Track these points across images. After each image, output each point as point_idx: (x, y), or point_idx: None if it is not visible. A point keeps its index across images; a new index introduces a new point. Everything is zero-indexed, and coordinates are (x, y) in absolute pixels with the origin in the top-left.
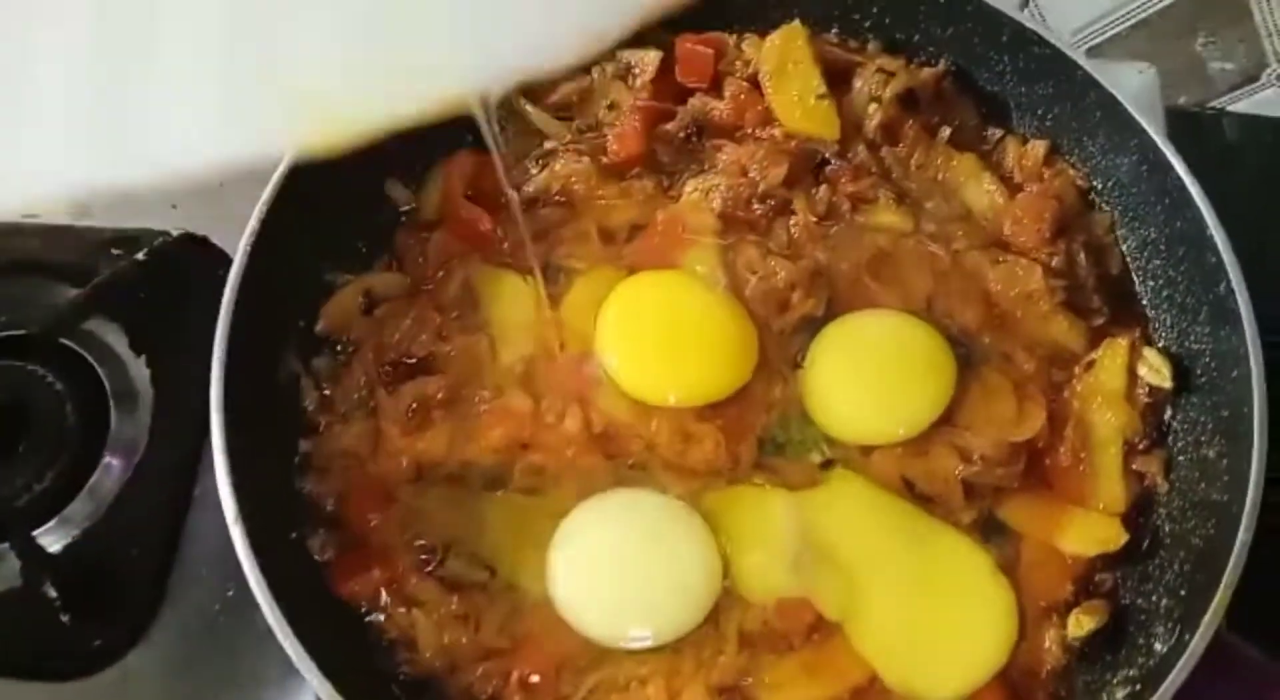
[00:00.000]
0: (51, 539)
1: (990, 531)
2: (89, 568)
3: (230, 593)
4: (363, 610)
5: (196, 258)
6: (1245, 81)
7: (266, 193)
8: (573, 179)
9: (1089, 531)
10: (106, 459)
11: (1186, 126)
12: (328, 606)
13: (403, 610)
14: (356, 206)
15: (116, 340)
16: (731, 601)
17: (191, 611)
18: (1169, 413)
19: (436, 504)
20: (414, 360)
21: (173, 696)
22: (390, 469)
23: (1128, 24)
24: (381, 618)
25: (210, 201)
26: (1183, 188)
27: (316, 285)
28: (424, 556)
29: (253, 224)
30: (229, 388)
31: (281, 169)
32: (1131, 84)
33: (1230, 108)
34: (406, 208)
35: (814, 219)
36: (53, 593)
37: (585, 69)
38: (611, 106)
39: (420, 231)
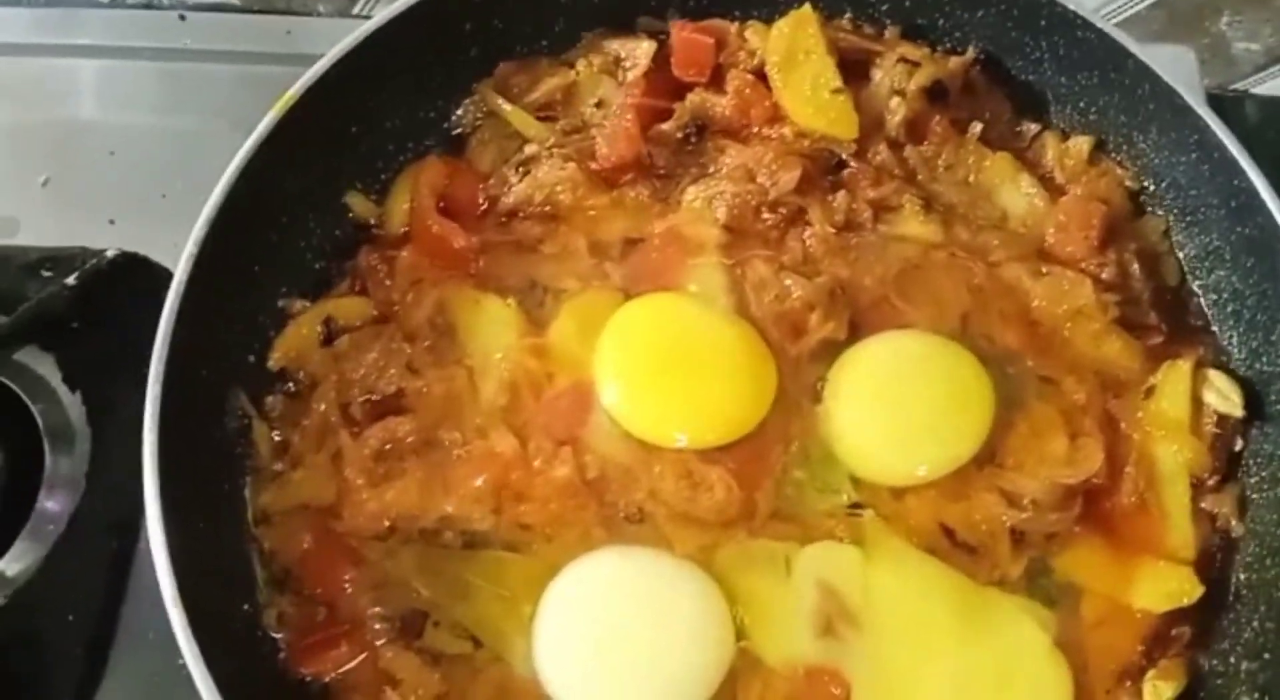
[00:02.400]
0: None
1: (1044, 586)
2: (17, 637)
3: (183, 664)
4: (328, 692)
5: (136, 280)
6: (1272, 62)
7: (209, 205)
8: (558, 187)
9: (1159, 583)
10: (40, 506)
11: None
12: (287, 690)
13: (377, 691)
14: (313, 222)
15: (49, 373)
16: (751, 670)
17: (136, 686)
18: (1240, 444)
19: (411, 565)
20: (381, 398)
21: None
22: (357, 525)
23: (1145, 3)
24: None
25: (152, 216)
26: (1251, 190)
27: (269, 313)
28: (399, 627)
29: (193, 241)
30: (166, 435)
31: (228, 176)
32: (1168, 70)
33: (1254, 90)
34: (370, 223)
35: (832, 230)
36: None
37: (569, 62)
38: (599, 104)
39: (386, 249)
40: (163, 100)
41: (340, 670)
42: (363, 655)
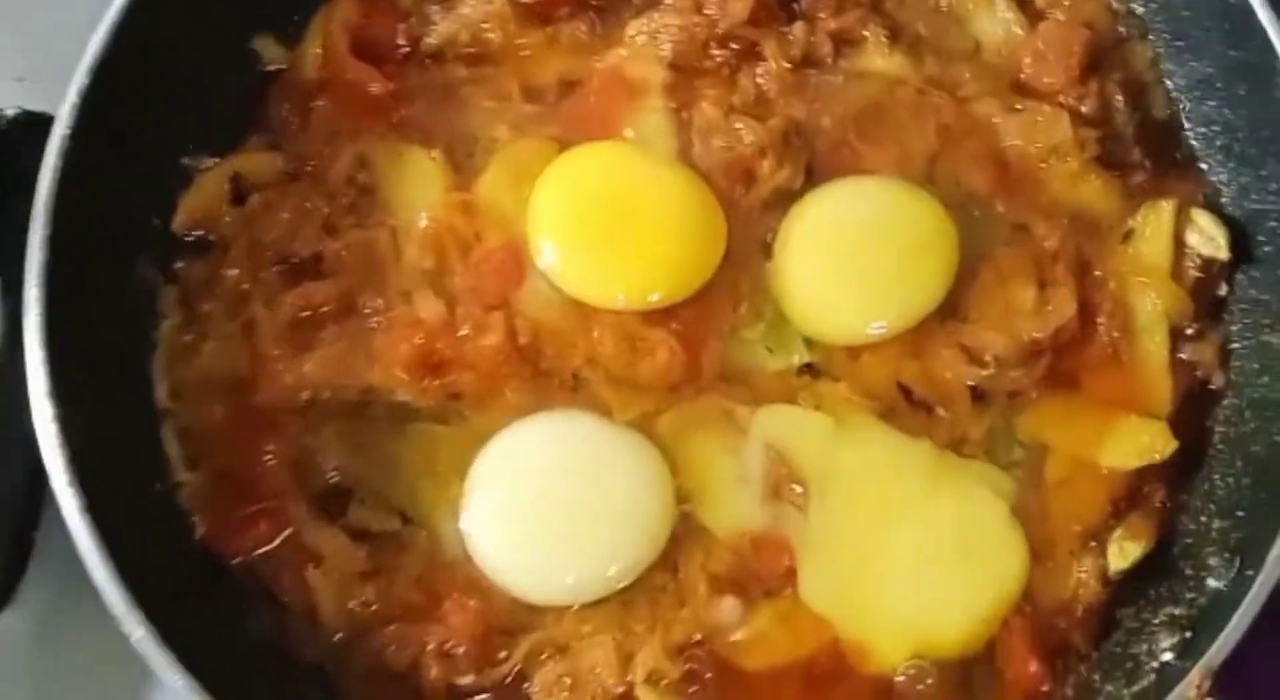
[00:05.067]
0: None
1: (1007, 445)
2: None
3: None
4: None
5: (40, 141)
6: None
7: (90, 50)
8: (485, 24)
9: (1130, 439)
10: None
11: None
12: (207, 572)
13: (299, 569)
14: (218, 69)
15: None
16: (693, 538)
17: (66, 565)
18: (1224, 290)
19: (334, 439)
20: (298, 262)
21: (42, 666)
22: (274, 398)
23: None
24: (270, 581)
25: (65, 72)
26: (1245, 8)
27: (173, 171)
28: (322, 503)
29: (74, 90)
30: (55, 304)
31: (111, 17)
32: None
33: None
34: (282, 69)
35: (788, 66)
36: None
37: None
38: None
39: (299, 99)
40: None
41: (261, 549)
42: (284, 533)
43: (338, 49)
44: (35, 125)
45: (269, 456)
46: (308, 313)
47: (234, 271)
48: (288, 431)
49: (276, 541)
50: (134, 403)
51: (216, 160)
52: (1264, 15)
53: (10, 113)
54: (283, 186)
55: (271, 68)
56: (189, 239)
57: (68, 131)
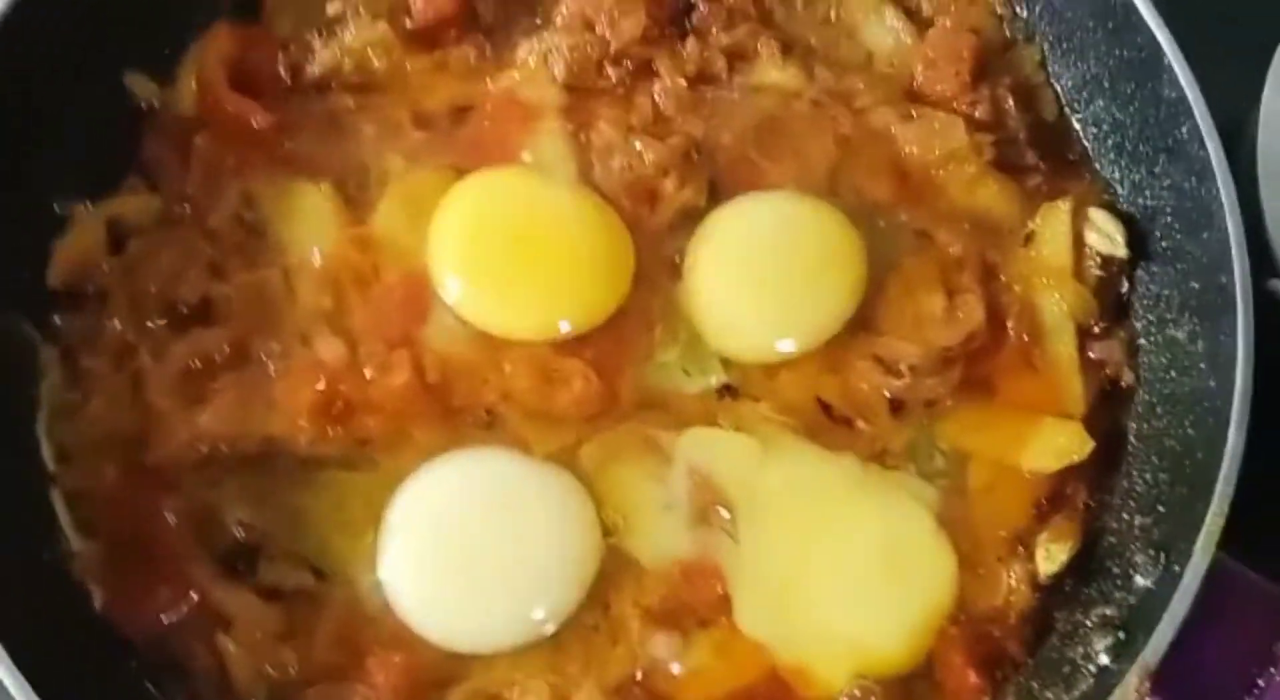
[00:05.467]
0: None
1: (928, 454)
2: None
3: None
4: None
5: None
6: None
7: None
8: (369, 51)
9: (1048, 441)
10: None
11: None
12: (104, 649)
13: (209, 636)
14: (88, 108)
15: None
16: (622, 571)
17: None
18: (1125, 287)
19: (236, 494)
20: (185, 309)
21: None
22: (168, 455)
23: None
24: (178, 651)
25: None
26: (1129, 6)
27: (44, 219)
28: (228, 563)
29: None
30: None
31: None
32: None
33: None
34: (155, 105)
35: (683, 83)
36: None
37: None
38: None
39: (177, 137)
40: None
41: (166, 618)
42: (189, 598)
43: (215, 82)
44: None
45: (168, 516)
46: (199, 362)
47: (116, 323)
48: (186, 489)
49: (182, 608)
50: (18, 468)
51: (89, 205)
52: (1146, 13)
53: None
54: (164, 230)
55: (145, 104)
56: (66, 291)
57: None
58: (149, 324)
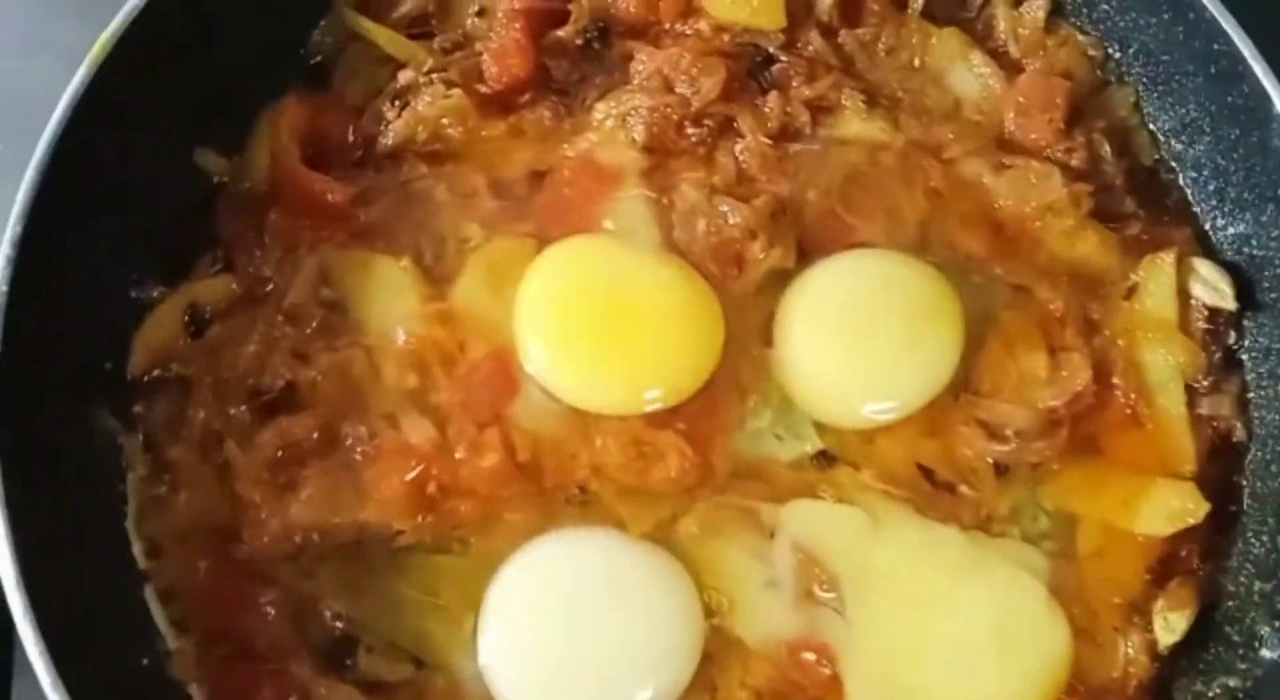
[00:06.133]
0: None
1: (1035, 519)
2: None
3: None
4: None
5: None
6: None
7: (23, 193)
8: (443, 120)
9: (1161, 503)
10: None
11: None
12: None
13: None
14: (159, 189)
15: None
16: (728, 652)
17: None
18: (1233, 339)
19: (331, 584)
20: (270, 395)
21: None
22: (260, 547)
23: None
24: None
25: None
26: (1235, 54)
27: (121, 307)
28: (327, 657)
29: (8, 242)
30: (17, 478)
31: (41, 151)
32: None
33: None
34: (227, 182)
35: (766, 140)
36: None
37: None
38: (481, 13)
39: (250, 213)
40: None
41: None
42: (292, 696)
43: (287, 156)
44: None
45: (265, 609)
46: (287, 449)
47: (200, 412)
48: (280, 580)
49: None
50: (111, 569)
51: (166, 290)
52: (1253, 60)
53: None
54: (243, 312)
55: (216, 181)
56: (147, 379)
57: (8, 289)
58: (233, 411)
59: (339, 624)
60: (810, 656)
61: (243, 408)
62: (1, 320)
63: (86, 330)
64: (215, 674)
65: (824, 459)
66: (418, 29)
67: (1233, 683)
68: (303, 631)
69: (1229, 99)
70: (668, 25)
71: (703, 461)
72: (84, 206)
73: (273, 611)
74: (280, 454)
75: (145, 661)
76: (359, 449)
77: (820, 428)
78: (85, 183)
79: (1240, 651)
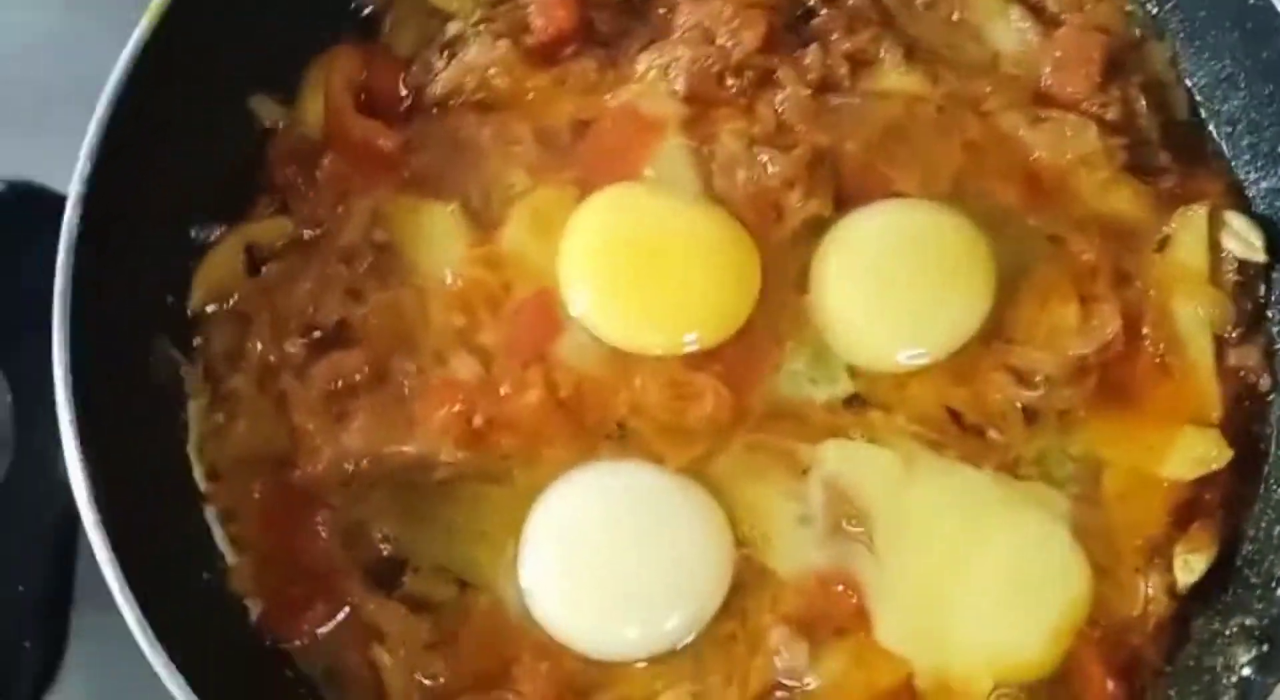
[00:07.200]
0: None
1: (1061, 462)
2: None
3: None
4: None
5: (27, 211)
6: None
7: (91, 135)
8: (491, 69)
9: (1186, 450)
10: None
11: None
12: (267, 658)
13: (363, 648)
14: (216, 134)
15: None
16: (759, 581)
17: (103, 651)
18: (1263, 290)
19: (382, 509)
20: (324, 332)
21: None
22: (315, 473)
23: None
24: (332, 662)
25: (28, 132)
26: (1268, 9)
27: (182, 245)
28: (376, 576)
29: (79, 179)
30: (87, 404)
31: (109, 95)
32: None
33: None
34: (280, 128)
35: (806, 92)
36: None
37: None
38: None
39: (304, 158)
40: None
41: (320, 630)
42: (343, 611)
43: (341, 105)
44: (21, 196)
45: (318, 530)
46: (340, 382)
47: (258, 345)
48: (333, 504)
49: (335, 620)
50: (174, 490)
51: (224, 229)
52: None
53: None
54: (298, 252)
55: (270, 127)
56: (206, 313)
57: (77, 223)
58: (288, 345)
59: (387, 546)
60: (839, 589)
61: (298, 342)
62: (72, 256)
63: (149, 266)
64: (271, 589)
65: (856, 402)
66: None
67: (1249, 622)
68: (353, 552)
69: (1263, 55)
70: None
71: (738, 402)
72: (146, 149)
73: (325, 533)
74: (334, 386)
75: (206, 576)
76: (408, 384)
77: (853, 372)
78: (147, 127)
79: (1258, 592)
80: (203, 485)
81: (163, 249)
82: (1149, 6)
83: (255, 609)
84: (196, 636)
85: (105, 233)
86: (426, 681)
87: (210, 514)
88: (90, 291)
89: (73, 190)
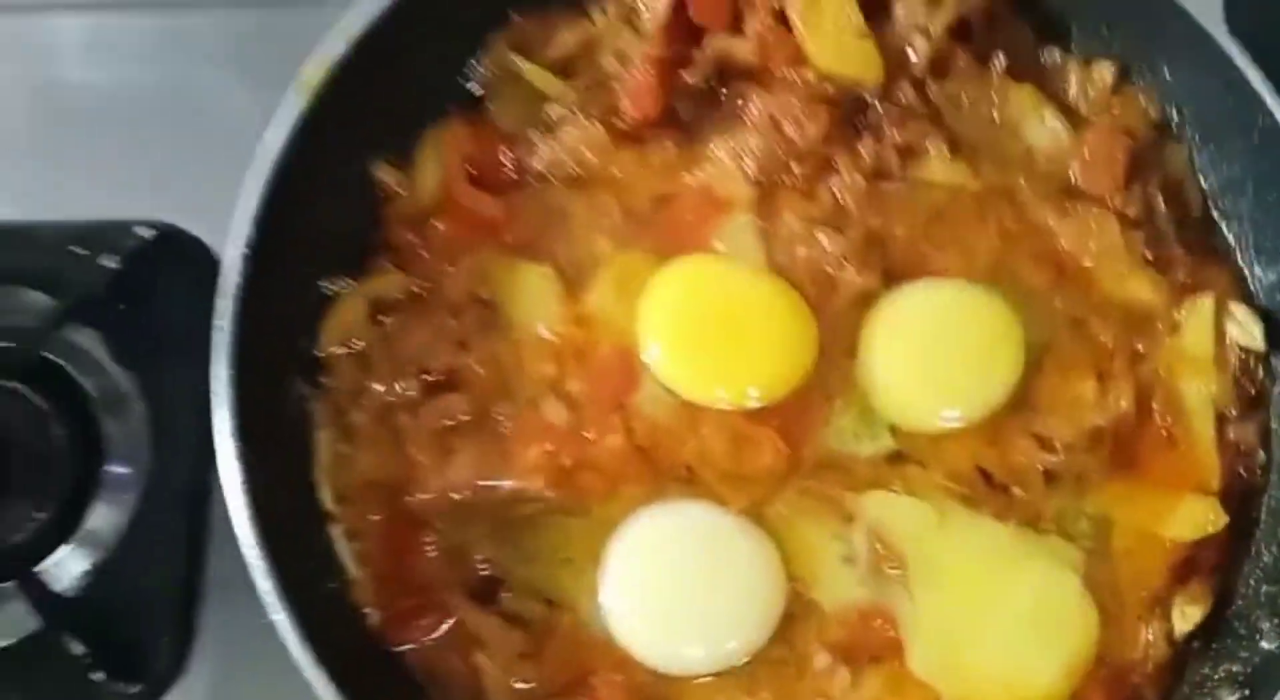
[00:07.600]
0: (62, 575)
1: (1076, 520)
2: (108, 608)
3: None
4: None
5: (174, 254)
6: None
7: (259, 195)
8: (584, 148)
9: (1187, 514)
10: (109, 473)
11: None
12: (376, 662)
13: (466, 655)
14: (345, 196)
15: (94, 347)
16: (806, 614)
17: (228, 643)
18: (1261, 374)
19: (481, 535)
20: (434, 376)
21: None
22: (426, 501)
23: None
24: (437, 667)
25: (173, 182)
26: (1274, 128)
27: (313, 296)
28: (476, 594)
29: (248, 235)
30: (241, 434)
31: (274, 161)
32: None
33: None
34: (398, 193)
35: (861, 178)
36: (78, 648)
37: (584, 12)
38: (619, 57)
39: (418, 221)
40: (161, 57)
41: (428, 637)
42: (447, 622)
43: (454, 175)
44: (169, 240)
45: (428, 551)
46: (447, 422)
47: (378, 386)
48: (440, 529)
49: (441, 629)
50: (306, 511)
51: (351, 282)
52: None
53: (147, 234)
54: (413, 305)
55: (389, 192)
56: (334, 355)
57: (239, 281)
58: (403, 387)
59: (486, 567)
60: (877, 622)
61: (413, 384)
62: (238, 307)
63: (288, 316)
64: (386, 600)
65: (897, 457)
66: (564, 68)
67: (1235, 668)
68: (457, 571)
69: (1268, 165)
70: (778, 73)
71: (793, 453)
72: (293, 214)
73: (433, 553)
74: (441, 425)
75: (332, 586)
76: (505, 425)
77: (895, 430)
78: (296, 194)
79: (1244, 642)
80: (330, 506)
81: (298, 300)
82: (1169, 112)
83: (373, 617)
84: (327, 638)
85: (258, 288)
86: (519, 686)
87: (335, 532)
88: (244, 338)
89: (235, 251)
